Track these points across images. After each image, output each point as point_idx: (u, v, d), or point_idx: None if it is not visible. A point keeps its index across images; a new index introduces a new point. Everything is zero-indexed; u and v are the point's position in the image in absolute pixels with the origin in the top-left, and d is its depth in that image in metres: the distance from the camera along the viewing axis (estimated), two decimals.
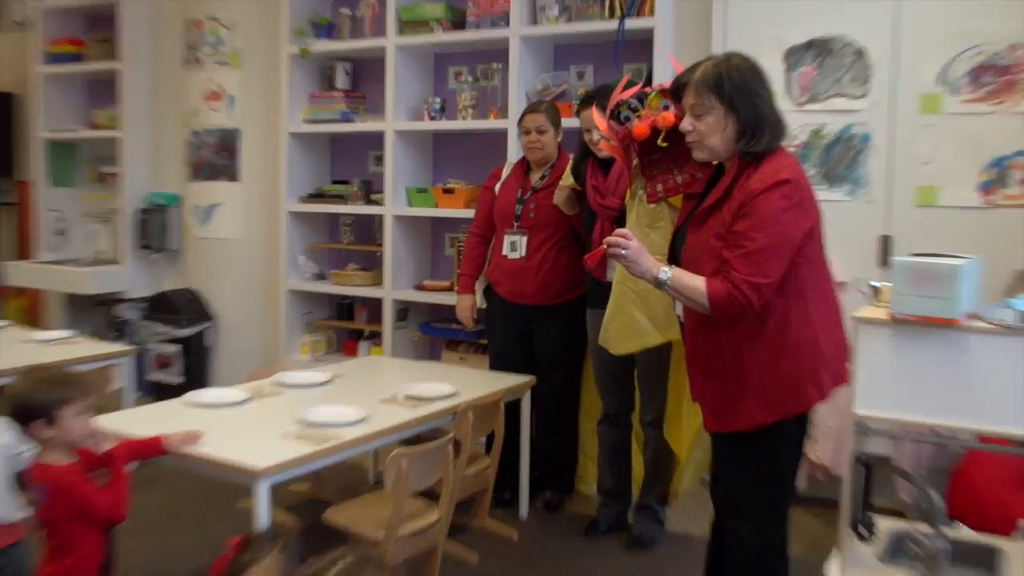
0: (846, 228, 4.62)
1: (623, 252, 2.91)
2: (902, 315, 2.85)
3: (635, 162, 3.56)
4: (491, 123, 5.59)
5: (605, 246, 2.93)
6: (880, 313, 2.96)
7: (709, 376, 3.04)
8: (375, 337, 6.21)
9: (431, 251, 6.24)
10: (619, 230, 2.95)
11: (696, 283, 2.89)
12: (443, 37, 5.69)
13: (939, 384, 2.84)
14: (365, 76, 6.34)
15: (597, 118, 3.63)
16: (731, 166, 2.96)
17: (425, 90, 6.06)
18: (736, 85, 2.90)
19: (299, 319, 6.38)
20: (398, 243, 5.94)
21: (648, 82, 4.94)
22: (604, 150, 3.82)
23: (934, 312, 2.81)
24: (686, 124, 2.98)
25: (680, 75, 3.06)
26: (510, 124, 5.35)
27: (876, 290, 3.18)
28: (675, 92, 3.11)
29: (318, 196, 6.29)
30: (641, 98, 3.42)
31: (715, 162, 3.07)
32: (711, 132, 2.94)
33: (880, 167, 4.61)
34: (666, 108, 3.32)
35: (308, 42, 6.13)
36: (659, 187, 3.43)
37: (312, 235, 6.45)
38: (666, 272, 2.92)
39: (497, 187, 5.01)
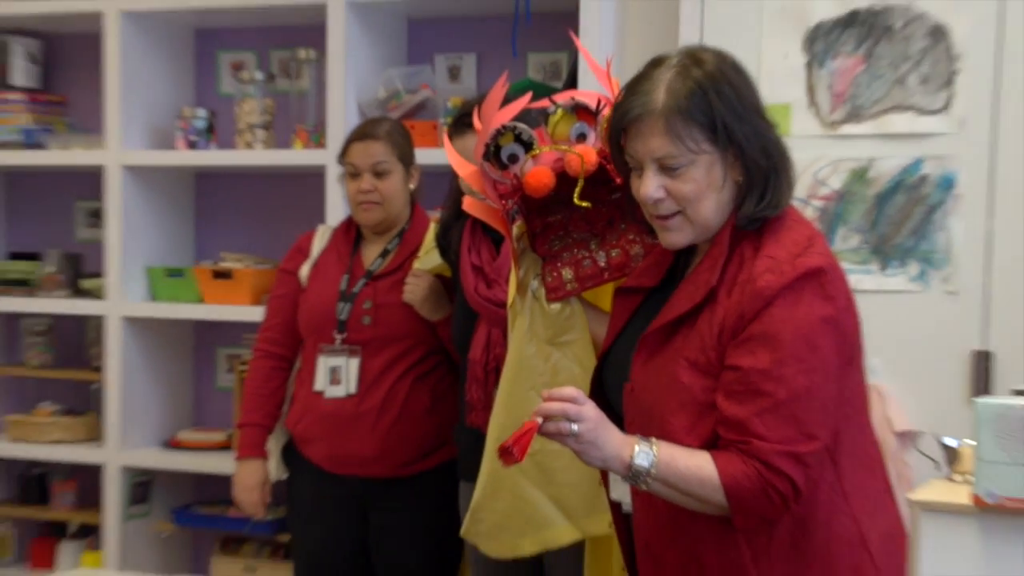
0: (912, 338, 4.72)
1: (573, 429, 2.88)
2: (995, 499, 2.91)
3: (517, 230, 3.61)
4: (297, 155, 5.72)
5: (538, 419, 2.90)
6: (957, 494, 3.02)
7: None
8: (90, 534, 6.20)
9: (192, 380, 6.34)
10: (562, 388, 2.95)
11: (701, 468, 2.90)
12: None
13: None
14: (67, 66, 6.44)
15: (453, 157, 3.64)
16: (715, 245, 3.04)
17: (179, 95, 6.17)
18: (730, 104, 2.96)
19: None
20: (132, 366, 5.99)
21: (569, 86, 5.02)
22: (471, 211, 3.85)
23: None
24: (653, 190, 2.98)
25: (623, 105, 3.05)
26: (329, 158, 5.41)
27: (953, 452, 3.23)
28: (616, 132, 3.09)
29: None
30: (536, 120, 3.50)
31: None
32: (700, 195, 2.98)
33: (973, 233, 4.69)
34: (582, 138, 3.40)
35: None
36: (567, 273, 3.50)
37: None
38: (646, 455, 2.90)
39: (305, 270, 5.09)
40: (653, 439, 2.92)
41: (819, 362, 2.87)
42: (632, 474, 2.90)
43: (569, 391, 2.90)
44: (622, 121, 3.02)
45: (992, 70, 4.65)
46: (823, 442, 2.89)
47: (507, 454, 2.88)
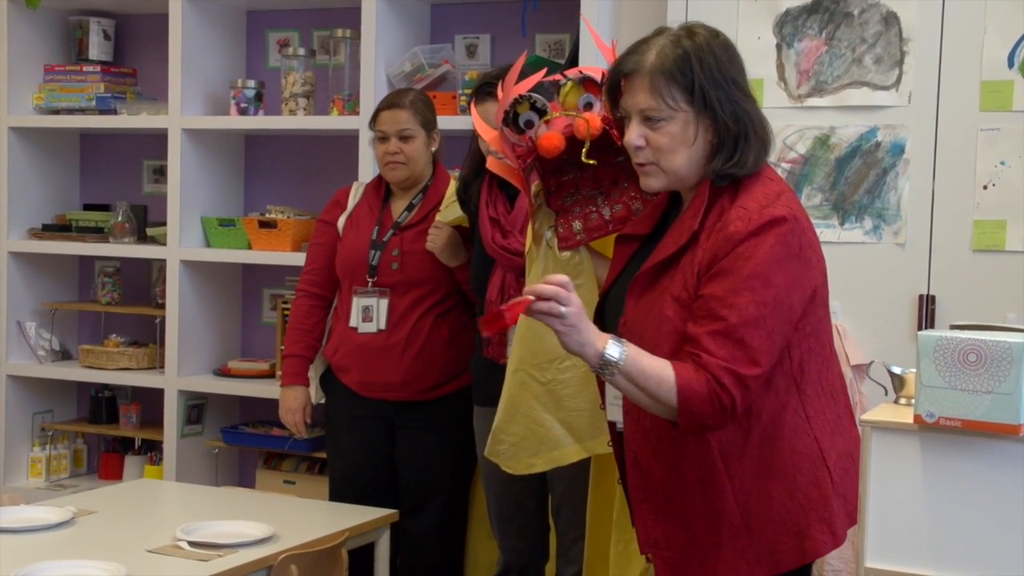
0: (866, 283, 4.77)
1: (562, 311, 2.87)
2: (933, 418, 2.92)
3: (535, 188, 3.66)
4: (333, 121, 5.73)
5: (530, 296, 2.89)
6: (902, 415, 3.04)
7: (665, 513, 3.13)
8: (152, 449, 6.30)
9: (241, 316, 6.39)
10: (554, 276, 2.93)
11: (662, 370, 2.92)
12: None
13: (993, 525, 2.89)
14: (136, 42, 6.52)
15: (478, 123, 3.72)
16: (696, 196, 3.07)
17: (232, 68, 6.22)
18: (711, 73, 3.00)
19: (27, 422, 6.46)
20: (189, 304, 6.07)
21: (571, 63, 5.08)
22: (493, 170, 3.93)
23: (984, 414, 2.86)
24: (634, 138, 3.05)
25: (619, 61, 3.12)
26: (362, 123, 5.46)
27: (899, 379, 3.27)
28: (612, 88, 3.16)
29: (60, 229, 6.41)
30: (549, 91, 3.55)
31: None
32: (675, 148, 3.03)
33: (919, 193, 4.72)
34: (588, 106, 3.47)
35: None
36: (576, 225, 3.57)
37: (50, 290, 6.57)
38: (617, 348, 2.91)
39: (341, 221, 5.15)
40: (625, 340, 2.95)
41: (771, 298, 2.90)
42: (602, 363, 2.90)
43: (561, 278, 2.89)
44: (618, 74, 3.09)
45: (936, 51, 4.68)
46: (764, 369, 2.92)
47: (499, 316, 2.87)
